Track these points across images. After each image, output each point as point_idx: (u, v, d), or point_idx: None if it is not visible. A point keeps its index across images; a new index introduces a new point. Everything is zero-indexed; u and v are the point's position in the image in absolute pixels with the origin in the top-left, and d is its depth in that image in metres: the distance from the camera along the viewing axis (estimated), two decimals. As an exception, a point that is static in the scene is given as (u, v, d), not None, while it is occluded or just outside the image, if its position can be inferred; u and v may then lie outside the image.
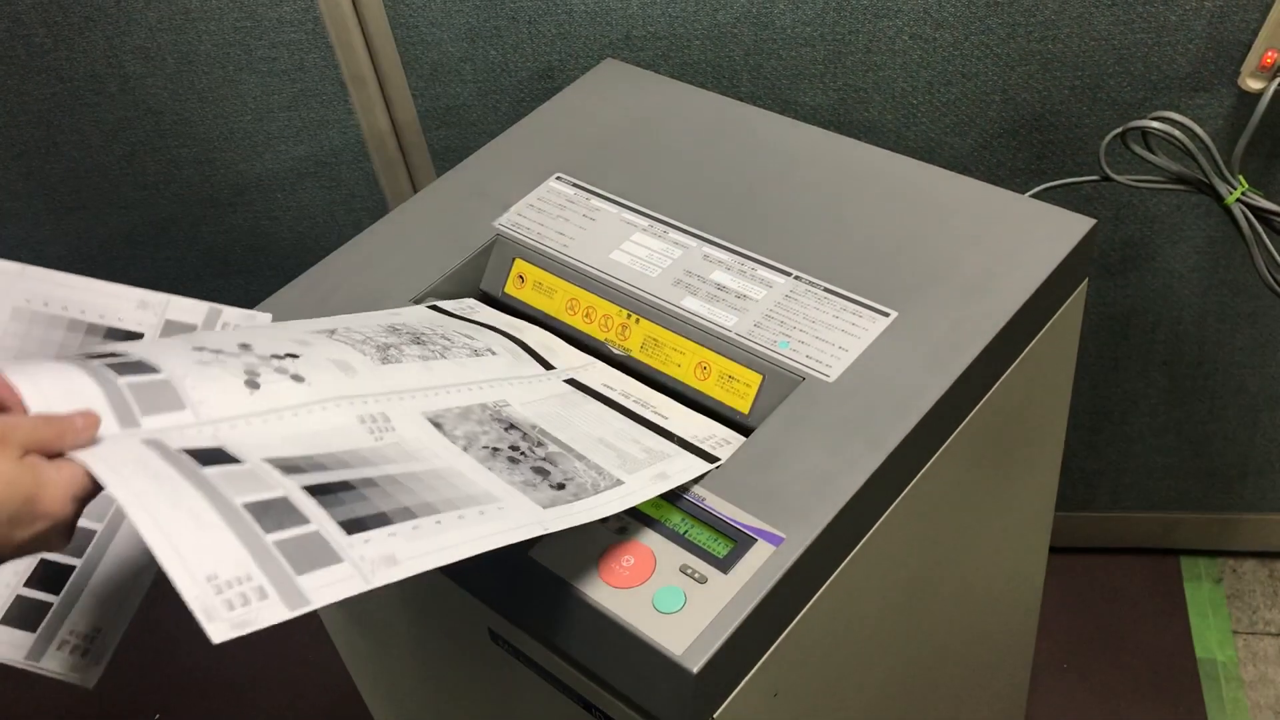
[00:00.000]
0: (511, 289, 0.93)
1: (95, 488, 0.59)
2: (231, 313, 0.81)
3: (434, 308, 0.88)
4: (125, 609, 0.75)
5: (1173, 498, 1.52)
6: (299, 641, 1.65)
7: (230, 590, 0.53)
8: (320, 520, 0.58)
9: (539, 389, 0.80)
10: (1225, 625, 1.51)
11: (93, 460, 0.57)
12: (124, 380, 0.62)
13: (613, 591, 0.68)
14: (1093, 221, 0.87)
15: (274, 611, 0.53)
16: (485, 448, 0.70)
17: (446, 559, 0.59)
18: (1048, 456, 1.02)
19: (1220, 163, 1.03)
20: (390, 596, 0.91)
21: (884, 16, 1.14)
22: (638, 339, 0.86)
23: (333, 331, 0.77)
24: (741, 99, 1.07)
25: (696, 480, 0.73)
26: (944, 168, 0.94)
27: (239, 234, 1.40)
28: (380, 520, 0.60)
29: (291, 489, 0.59)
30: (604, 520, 0.71)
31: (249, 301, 0.97)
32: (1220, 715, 1.41)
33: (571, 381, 0.83)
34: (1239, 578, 1.56)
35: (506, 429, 0.72)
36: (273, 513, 0.57)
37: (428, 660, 0.96)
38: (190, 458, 0.58)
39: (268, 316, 0.82)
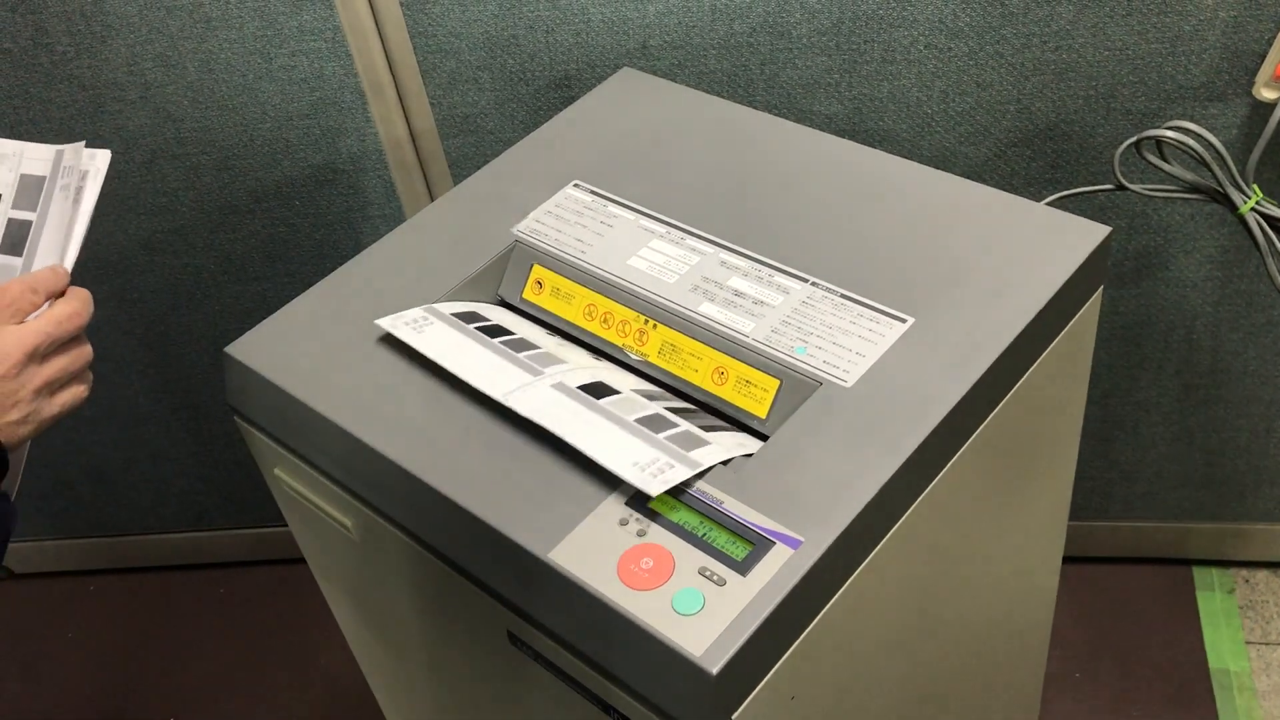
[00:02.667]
0: (530, 295, 0.93)
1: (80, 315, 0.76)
2: (72, 149, 0.88)
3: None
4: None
5: (1186, 507, 1.51)
6: (314, 645, 1.66)
7: (650, 467, 0.73)
8: (686, 425, 0.78)
9: (566, 380, 0.86)
10: (1238, 636, 1.51)
11: (524, 407, 0.77)
12: (516, 352, 0.84)
13: (632, 593, 0.69)
14: (1108, 229, 0.87)
15: (679, 472, 0.73)
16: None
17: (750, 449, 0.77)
18: (1062, 464, 1.02)
19: (1235, 172, 1.04)
20: (409, 598, 0.92)
21: (899, 26, 1.14)
22: (655, 344, 0.86)
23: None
24: (757, 108, 1.08)
25: (724, 474, 0.74)
26: (959, 176, 0.95)
27: (257, 241, 1.42)
28: (719, 428, 0.80)
29: (659, 409, 0.79)
30: (622, 522, 0.72)
31: (267, 310, 0.98)
32: (1234, 725, 1.41)
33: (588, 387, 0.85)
34: (1252, 588, 1.56)
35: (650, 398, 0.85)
36: (656, 422, 0.77)
37: (445, 663, 0.97)
38: (587, 394, 0.79)
39: (106, 153, 0.90)
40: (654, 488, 0.70)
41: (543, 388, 0.79)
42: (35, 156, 0.86)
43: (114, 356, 1.54)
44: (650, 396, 0.81)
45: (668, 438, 0.75)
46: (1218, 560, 1.58)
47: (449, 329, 0.85)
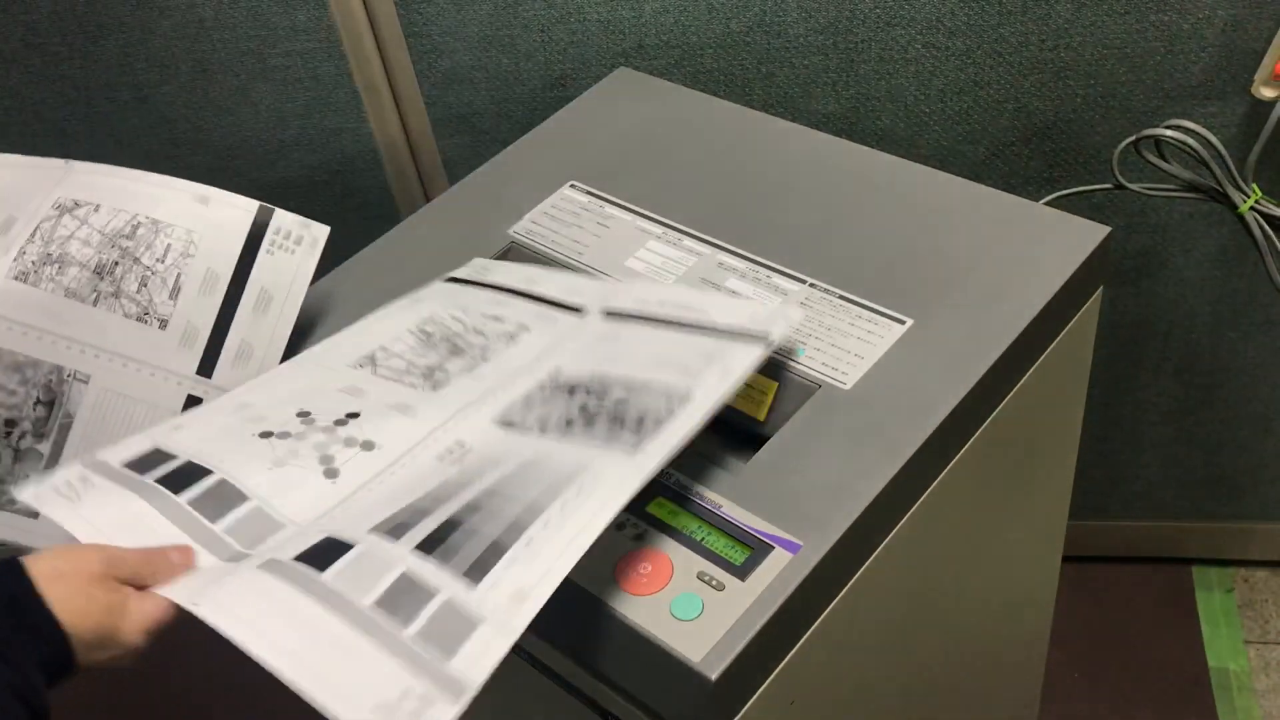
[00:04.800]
0: (526, 296, 0.93)
1: (169, 619, 0.63)
2: (285, 217, 0.87)
3: (451, 279, 0.88)
4: None
5: (1184, 507, 1.51)
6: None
7: (400, 710, 0.54)
8: (444, 582, 0.60)
9: (582, 338, 0.80)
10: (1237, 635, 1.50)
11: (210, 610, 0.59)
12: (213, 518, 0.65)
13: (630, 598, 0.68)
14: (1107, 229, 0.87)
15: (445, 712, 0.55)
16: (558, 424, 0.71)
17: (568, 564, 0.61)
18: (1061, 464, 1.02)
19: (1234, 171, 1.03)
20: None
21: (896, 25, 1.14)
22: (653, 346, 0.86)
23: (373, 362, 0.78)
24: (754, 107, 1.07)
25: (722, 478, 0.73)
26: (957, 176, 0.94)
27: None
28: (496, 552, 0.62)
29: (405, 557, 0.61)
30: (619, 527, 0.71)
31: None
32: (1233, 725, 1.41)
33: (607, 314, 0.82)
34: (1251, 587, 1.55)
35: (570, 393, 0.73)
36: (400, 599, 0.59)
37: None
38: (307, 565, 0.60)
39: (325, 229, 0.86)
40: None
41: (247, 576, 0.61)
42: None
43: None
44: (399, 527, 0.63)
45: (423, 630, 0.58)
46: (1217, 559, 1.57)
47: (115, 491, 0.66)
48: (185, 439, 0.70)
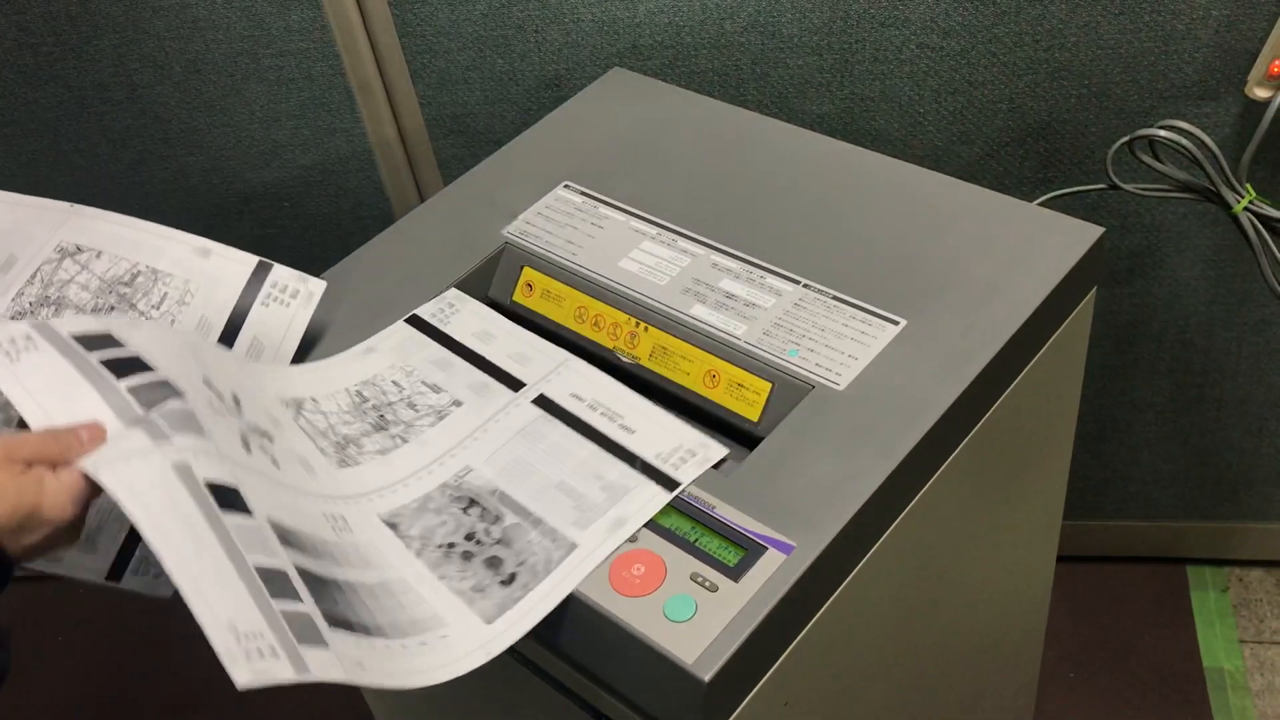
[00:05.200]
0: (520, 297, 0.93)
1: (95, 490, 0.62)
2: (282, 271, 0.86)
3: (413, 319, 0.88)
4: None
5: (1179, 506, 1.51)
6: (304, 650, 1.65)
7: (248, 642, 0.56)
8: (310, 606, 0.62)
9: (505, 428, 0.79)
10: (1232, 634, 1.50)
11: (110, 475, 0.59)
12: (146, 406, 0.65)
13: (623, 600, 0.68)
14: (1101, 230, 0.87)
15: (284, 671, 0.57)
16: (439, 546, 0.72)
17: (398, 685, 0.64)
18: (1055, 465, 1.02)
19: (1228, 171, 1.03)
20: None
21: (891, 25, 1.14)
22: (646, 347, 0.86)
23: (300, 407, 0.79)
24: (748, 108, 1.07)
25: (716, 479, 0.73)
26: (951, 176, 0.94)
27: (246, 243, 1.39)
28: (349, 626, 0.64)
29: (289, 565, 0.63)
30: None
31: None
32: (1228, 725, 1.41)
33: (540, 400, 0.80)
34: (1246, 587, 1.56)
35: (466, 508, 0.74)
36: (278, 583, 0.61)
37: (435, 669, 0.96)
38: (211, 496, 0.61)
39: (321, 284, 0.86)
40: (239, 673, 0.56)
41: (153, 459, 0.61)
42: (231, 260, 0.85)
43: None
44: (285, 538, 0.65)
45: (285, 612, 0.60)
46: (1211, 559, 1.57)
47: (56, 360, 0.67)
48: (140, 338, 0.70)
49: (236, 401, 0.72)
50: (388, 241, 0.97)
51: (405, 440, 0.79)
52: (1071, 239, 0.86)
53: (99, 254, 0.84)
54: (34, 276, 0.83)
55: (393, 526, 0.73)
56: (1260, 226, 1.04)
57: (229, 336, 0.83)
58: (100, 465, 0.60)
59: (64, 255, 0.84)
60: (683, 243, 0.91)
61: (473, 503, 0.74)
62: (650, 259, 0.90)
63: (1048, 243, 0.86)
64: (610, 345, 0.88)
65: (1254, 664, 1.47)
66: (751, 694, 0.69)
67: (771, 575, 0.68)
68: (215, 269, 0.86)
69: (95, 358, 0.67)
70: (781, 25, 1.16)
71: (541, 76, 1.23)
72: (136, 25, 1.23)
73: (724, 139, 1.01)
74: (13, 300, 0.82)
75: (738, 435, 0.81)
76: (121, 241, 0.85)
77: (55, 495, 0.61)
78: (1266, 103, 1.07)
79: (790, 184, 0.95)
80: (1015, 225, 0.88)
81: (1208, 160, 1.02)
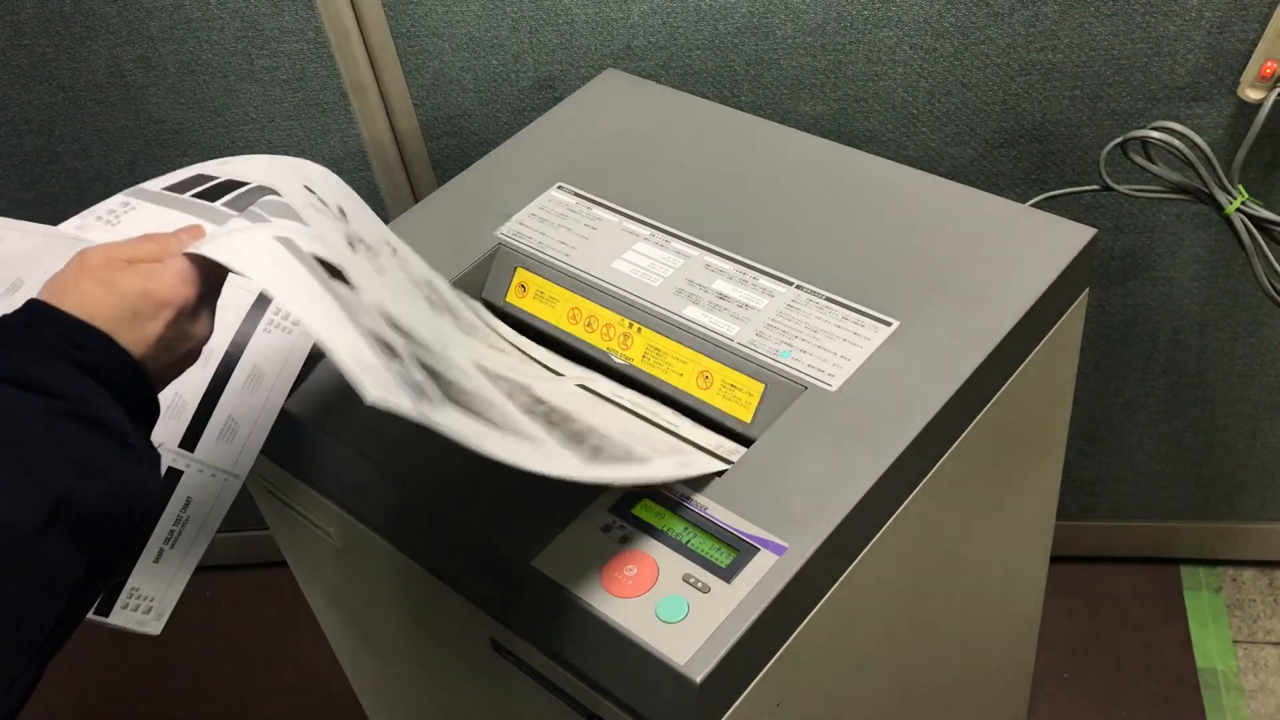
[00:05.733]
0: (513, 298, 0.93)
1: (209, 269, 0.62)
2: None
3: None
4: (177, 582, 0.80)
5: (1172, 507, 1.51)
6: (299, 649, 1.65)
7: (369, 372, 0.55)
8: (424, 379, 0.61)
9: (555, 386, 0.80)
10: (1225, 635, 1.51)
11: (215, 246, 0.60)
12: (243, 204, 0.66)
13: (615, 601, 0.68)
14: (1093, 231, 0.87)
15: (406, 403, 0.55)
16: (520, 406, 0.70)
17: (515, 461, 0.61)
18: (1048, 465, 1.02)
19: (1220, 172, 1.03)
20: (391, 605, 0.91)
21: (884, 27, 1.14)
22: (639, 348, 0.86)
23: (395, 251, 0.76)
24: (742, 109, 1.07)
25: (708, 480, 0.73)
26: (944, 178, 0.94)
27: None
28: (464, 408, 0.62)
29: (404, 348, 0.61)
30: (606, 529, 0.71)
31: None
32: (1221, 725, 1.41)
33: (583, 387, 0.83)
34: (1239, 587, 1.56)
35: (536, 402, 0.73)
36: (388, 351, 0.59)
37: (429, 670, 0.96)
38: (320, 265, 0.60)
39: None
40: (372, 389, 0.54)
41: (262, 236, 0.62)
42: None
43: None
44: (394, 326, 0.65)
45: (409, 375, 0.60)
46: (1205, 559, 1.58)
47: (153, 210, 0.69)
48: (234, 166, 0.70)
49: (342, 212, 0.71)
50: (381, 242, 0.97)
51: (472, 335, 0.79)
52: (1064, 240, 0.87)
53: None
54: None
55: (482, 370, 0.71)
56: (1252, 228, 1.04)
57: (229, 364, 0.83)
58: (203, 244, 0.61)
59: None
60: (676, 244, 0.91)
61: (542, 401, 0.73)
62: (643, 260, 0.90)
63: (1040, 244, 0.87)
64: (603, 346, 0.88)
65: (1247, 664, 1.47)
66: (743, 695, 0.69)
67: (764, 576, 0.68)
68: (222, 294, 0.85)
69: (189, 194, 0.67)
70: (775, 26, 1.16)
71: (535, 77, 1.23)
72: (130, 26, 1.22)
73: (717, 140, 1.01)
74: None
75: (730, 436, 0.81)
76: None
77: (162, 276, 0.61)
78: (1259, 104, 1.08)
79: (783, 185, 0.95)
80: (1008, 226, 0.89)
81: (1200, 161, 1.02)
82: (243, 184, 0.68)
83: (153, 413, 0.62)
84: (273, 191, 0.67)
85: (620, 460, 0.69)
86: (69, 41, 1.24)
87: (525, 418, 0.69)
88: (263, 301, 0.84)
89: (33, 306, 0.59)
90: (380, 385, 0.54)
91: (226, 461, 0.80)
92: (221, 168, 0.70)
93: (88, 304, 0.59)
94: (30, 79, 1.27)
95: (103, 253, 0.61)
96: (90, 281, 0.60)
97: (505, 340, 0.87)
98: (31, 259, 0.85)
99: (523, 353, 0.86)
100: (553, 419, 0.71)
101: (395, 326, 0.63)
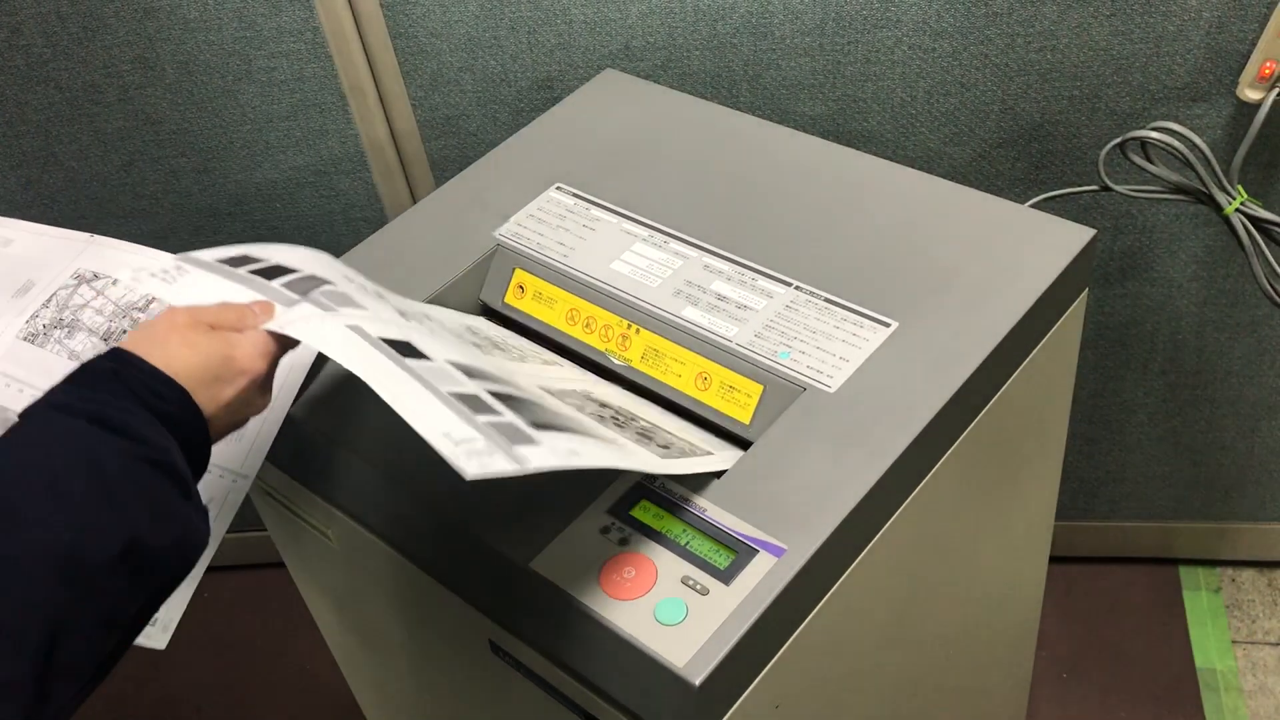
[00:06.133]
0: (511, 299, 0.92)
1: (282, 346, 0.68)
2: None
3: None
4: (184, 592, 0.80)
5: (1171, 507, 1.51)
6: (297, 650, 1.65)
7: (465, 445, 0.58)
8: (511, 416, 0.64)
9: (609, 389, 0.83)
10: (1224, 635, 1.51)
11: (300, 328, 0.66)
12: (303, 293, 0.71)
13: (614, 603, 0.68)
14: (1093, 232, 0.87)
15: (504, 463, 0.58)
16: (591, 414, 0.73)
17: (612, 464, 0.65)
18: (1047, 466, 1.02)
19: (1219, 173, 1.03)
20: (390, 607, 0.91)
21: (883, 27, 1.14)
22: (638, 349, 0.86)
23: (428, 315, 0.80)
24: (740, 109, 1.07)
25: (707, 481, 0.74)
26: (943, 178, 0.94)
27: (238, 244, 1.40)
28: (552, 427, 0.65)
29: (480, 390, 0.65)
30: (604, 531, 0.71)
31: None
32: (1220, 725, 1.41)
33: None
34: (1238, 587, 1.56)
35: (601, 406, 0.76)
36: (474, 403, 0.63)
37: (427, 672, 0.96)
38: (390, 346, 0.65)
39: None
40: (470, 466, 0.57)
41: (333, 323, 0.67)
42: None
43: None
44: (468, 371, 0.69)
45: (487, 422, 0.62)
46: (1204, 560, 1.58)
47: (209, 278, 0.73)
48: (277, 253, 0.76)
49: (380, 295, 0.76)
50: (379, 243, 0.97)
51: (524, 360, 0.82)
52: (1063, 240, 0.87)
53: (115, 281, 0.85)
54: (49, 300, 0.83)
55: (550, 393, 0.75)
56: (1251, 228, 1.04)
57: None
58: (286, 324, 0.66)
59: (80, 281, 0.85)
60: (674, 245, 0.91)
61: (606, 405, 0.77)
62: (642, 261, 0.90)
63: (1039, 244, 0.86)
64: (601, 348, 0.87)
65: (1246, 664, 1.47)
66: (742, 697, 0.69)
67: (763, 578, 0.68)
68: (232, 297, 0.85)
69: (243, 271, 0.72)
70: (773, 27, 1.16)
71: (533, 78, 1.23)
72: (127, 26, 1.22)
73: (716, 141, 1.01)
74: (27, 322, 0.82)
75: (729, 438, 0.81)
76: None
77: (244, 346, 0.65)
78: (1258, 104, 1.07)
79: (782, 186, 0.95)
80: (1007, 227, 0.88)
81: (1199, 162, 1.02)
82: (293, 270, 0.73)
83: (204, 468, 0.66)
84: (325, 281, 0.72)
85: (685, 454, 0.73)
86: (66, 42, 1.24)
87: (599, 424, 0.72)
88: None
89: (119, 354, 0.63)
90: (476, 460, 0.57)
91: (234, 462, 0.81)
92: (268, 251, 0.76)
93: (172, 361, 0.63)
94: (28, 79, 1.27)
95: (189, 314, 0.66)
96: (177, 340, 0.64)
97: (552, 354, 0.89)
98: (42, 262, 0.85)
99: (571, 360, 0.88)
100: (619, 420, 0.75)
101: (469, 373, 0.68)
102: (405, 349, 0.66)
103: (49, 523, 0.54)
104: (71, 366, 0.63)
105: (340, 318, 0.68)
